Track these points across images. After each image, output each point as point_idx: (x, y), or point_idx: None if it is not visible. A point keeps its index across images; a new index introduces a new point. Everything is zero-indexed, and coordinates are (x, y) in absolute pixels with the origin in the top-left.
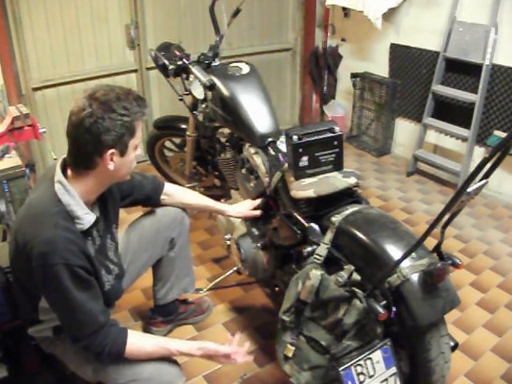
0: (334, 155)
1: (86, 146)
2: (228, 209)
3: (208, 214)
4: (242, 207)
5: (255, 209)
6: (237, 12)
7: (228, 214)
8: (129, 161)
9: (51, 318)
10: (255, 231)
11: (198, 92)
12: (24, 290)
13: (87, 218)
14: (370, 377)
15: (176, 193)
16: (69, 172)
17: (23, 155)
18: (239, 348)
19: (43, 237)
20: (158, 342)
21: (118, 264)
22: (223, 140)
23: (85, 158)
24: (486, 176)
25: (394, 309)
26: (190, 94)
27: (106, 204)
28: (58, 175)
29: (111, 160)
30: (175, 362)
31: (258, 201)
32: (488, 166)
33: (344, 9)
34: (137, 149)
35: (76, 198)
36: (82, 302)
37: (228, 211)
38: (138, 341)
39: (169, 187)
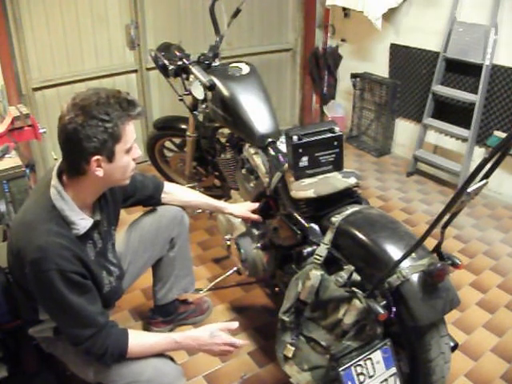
0: (333, 155)
1: (70, 153)
2: (228, 206)
3: (208, 214)
4: (242, 207)
5: (254, 212)
6: (237, 12)
7: (228, 212)
8: (120, 166)
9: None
10: (255, 231)
11: (198, 92)
12: (23, 291)
13: (82, 223)
14: (370, 377)
15: (175, 191)
16: (64, 177)
17: (23, 155)
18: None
19: (35, 243)
20: (161, 336)
21: (117, 265)
22: (223, 140)
23: (73, 165)
24: (486, 176)
25: (393, 309)
26: (190, 94)
27: (108, 206)
28: (54, 180)
29: (98, 166)
30: (175, 363)
31: (257, 204)
32: (488, 166)
33: (344, 9)
34: (130, 152)
35: (70, 204)
36: (79, 306)
37: (228, 208)
38: (140, 338)
39: (168, 185)
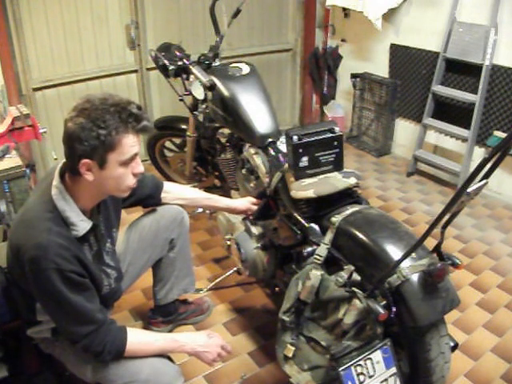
0: (334, 155)
1: (66, 151)
2: (229, 201)
3: (208, 214)
4: (244, 201)
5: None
6: (237, 12)
7: (226, 204)
8: (113, 176)
9: (49, 320)
10: (255, 231)
11: (199, 92)
12: (21, 292)
13: (82, 224)
14: (370, 377)
15: (174, 189)
16: (66, 177)
17: (23, 155)
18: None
19: (35, 241)
20: (160, 335)
21: (115, 268)
22: (223, 140)
23: (69, 164)
24: (486, 176)
25: (393, 309)
26: (191, 94)
27: (108, 208)
28: (56, 180)
29: (88, 170)
30: (174, 363)
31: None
32: (488, 166)
33: (344, 9)
34: (128, 165)
35: (71, 205)
36: (78, 304)
37: (226, 202)
38: (139, 336)
39: (168, 185)
